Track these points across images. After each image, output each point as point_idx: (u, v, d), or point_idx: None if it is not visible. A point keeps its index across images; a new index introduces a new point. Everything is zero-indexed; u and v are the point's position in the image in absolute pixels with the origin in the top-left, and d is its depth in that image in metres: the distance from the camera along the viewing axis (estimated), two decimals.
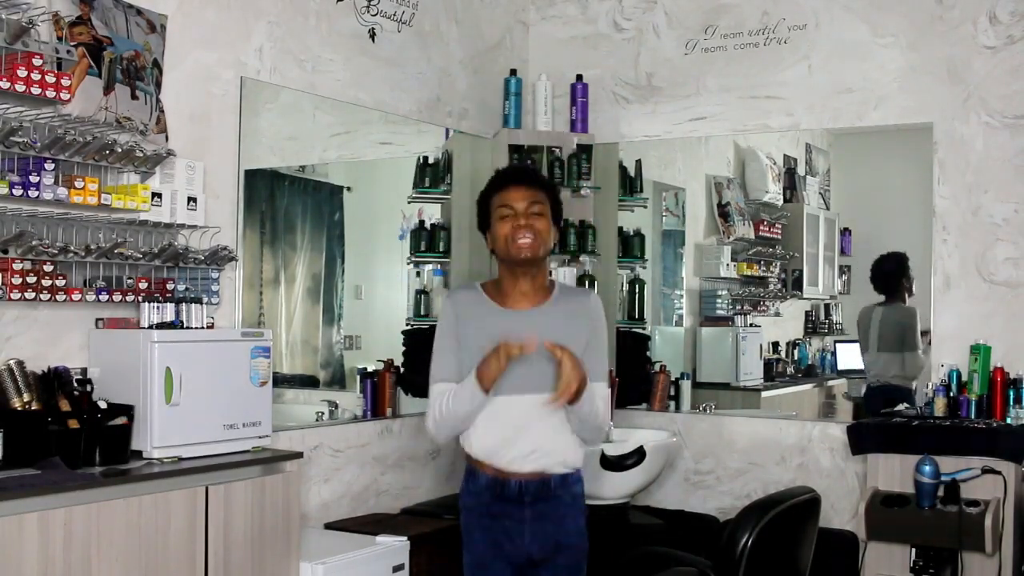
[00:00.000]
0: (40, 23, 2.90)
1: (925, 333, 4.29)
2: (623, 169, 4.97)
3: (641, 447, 4.10)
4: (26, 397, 2.83)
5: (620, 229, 4.95)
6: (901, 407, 4.19)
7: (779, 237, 5.58)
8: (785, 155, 5.53)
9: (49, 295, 2.93)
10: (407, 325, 4.63)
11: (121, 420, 2.93)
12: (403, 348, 4.56)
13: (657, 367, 4.93)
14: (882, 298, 4.73)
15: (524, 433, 2.77)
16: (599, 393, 2.82)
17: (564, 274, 4.65)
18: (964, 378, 4.01)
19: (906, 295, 4.62)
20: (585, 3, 5.01)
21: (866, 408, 4.72)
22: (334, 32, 4.08)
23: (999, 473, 3.63)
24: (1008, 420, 3.85)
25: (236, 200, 3.65)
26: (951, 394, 3.98)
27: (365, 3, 4.22)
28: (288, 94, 3.94)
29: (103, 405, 2.92)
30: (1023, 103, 4.06)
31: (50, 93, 2.86)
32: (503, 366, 2.66)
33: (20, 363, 2.86)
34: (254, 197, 3.98)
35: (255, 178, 3.94)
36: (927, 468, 3.64)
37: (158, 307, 3.15)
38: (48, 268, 2.93)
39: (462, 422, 2.80)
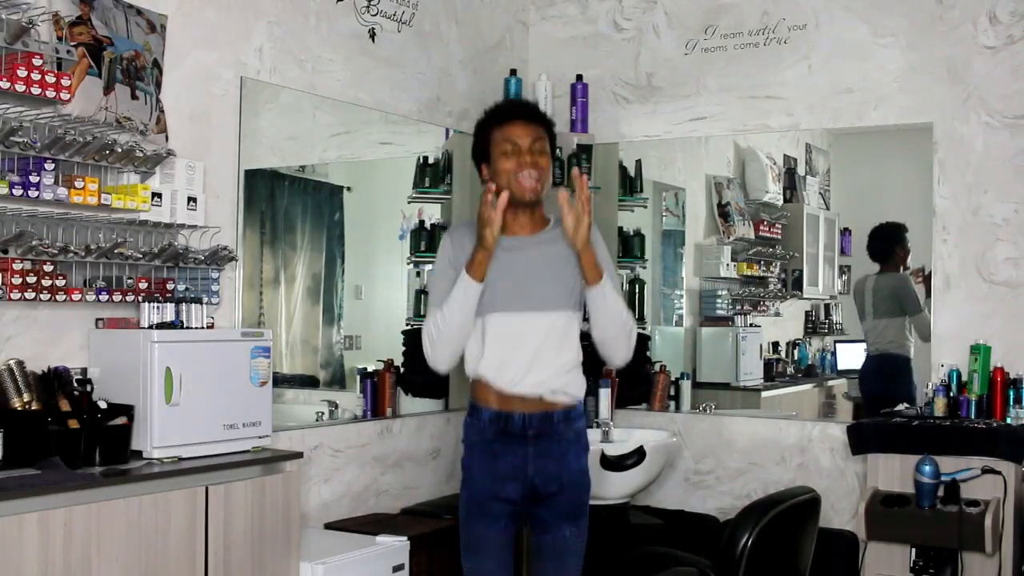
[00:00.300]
0: (40, 23, 2.90)
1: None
2: (623, 169, 4.97)
3: (641, 447, 4.10)
4: (26, 397, 2.83)
5: (620, 229, 4.96)
6: (901, 407, 4.19)
7: (779, 237, 5.58)
8: (785, 155, 5.52)
9: (49, 295, 2.93)
10: (407, 325, 4.63)
11: (121, 420, 2.93)
12: (403, 348, 4.56)
13: (657, 367, 4.93)
14: (876, 268, 4.75)
15: (526, 350, 2.80)
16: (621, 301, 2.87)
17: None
18: (964, 378, 4.01)
19: (901, 265, 4.61)
20: (585, 3, 5.01)
21: (863, 378, 4.74)
22: (334, 32, 4.08)
23: (999, 473, 3.63)
24: (1008, 420, 3.85)
25: (236, 200, 3.65)
26: (951, 394, 3.98)
27: (365, 3, 4.22)
28: (288, 94, 3.94)
29: (103, 405, 2.92)
30: (1023, 103, 4.06)
31: (50, 93, 2.86)
32: (494, 219, 2.71)
33: (20, 363, 2.86)
34: (254, 197, 3.98)
35: (255, 178, 3.94)
36: (927, 468, 3.64)
37: (158, 307, 3.15)
38: (48, 268, 2.93)
39: (459, 328, 2.80)
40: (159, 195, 3.21)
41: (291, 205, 4.36)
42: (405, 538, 3.62)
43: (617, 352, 2.89)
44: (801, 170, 5.56)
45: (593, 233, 2.87)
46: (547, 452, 2.82)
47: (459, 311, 2.78)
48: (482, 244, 2.76)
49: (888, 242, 4.66)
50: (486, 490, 2.81)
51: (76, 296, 3.00)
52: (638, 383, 4.88)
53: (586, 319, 2.91)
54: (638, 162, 4.97)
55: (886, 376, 4.43)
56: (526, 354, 2.81)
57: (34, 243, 2.87)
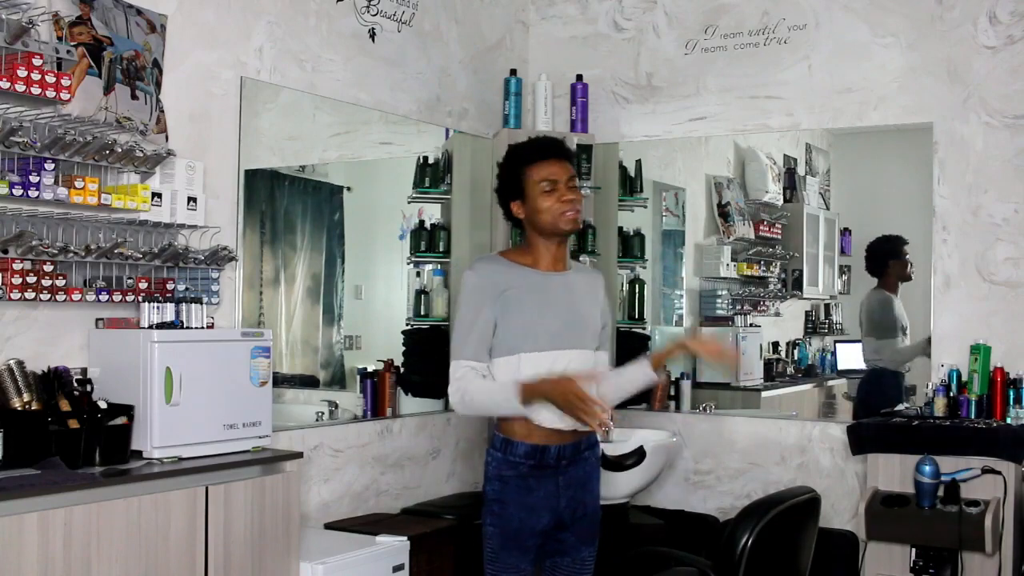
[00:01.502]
0: (40, 23, 2.90)
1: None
2: (623, 169, 4.97)
3: (641, 447, 4.09)
4: (26, 397, 2.83)
5: (620, 229, 4.95)
6: (901, 407, 4.19)
7: (779, 237, 5.58)
8: (785, 155, 5.52)
9: (49, 295, 2.93)
10: (407, 325, 4.63)
11: (121, 420, 2.93)
12: (403, 348, 4.56)
13: None
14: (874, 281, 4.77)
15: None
16: (603, 360, 2.98)
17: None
18: (964, 378, 4.01)
19: (896, 280, 4.60)
20: (585, 3, 5.01)
21: (859, 391, 4.76)
22: (334, 32, 4.08)
23: (999, 473, 3.63)
24: (1008, 420, 3.85)
25: (236, 200, 3.65)
26: (951, 394, 3.98)
27: (365, 3, 4.22)
28: (288, 94, 3.94)
29: (103, 405, 2.92)
30: (1023, 103, 4.06)
31: (50, 93, 2.86)
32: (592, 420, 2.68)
33: (20, 363, 2.86)
34: (254, 197, 3.98)
35: (255, 178, 3.94)
36: (927, 468, 3.64)
37: (158, 307, 3.15)
38: (48, 268, 2.93)
39: (489, 415, 2.90)
40: (159, 195, 3.21)
41: (291, 205, 4.36)
42: (405, 538, 3.62)
43: None
44: (801, 170, 5.56)
45: (604, 284, 3.04)
46: (574, 480, 2.87)
47: (491, 410, 2.87)
48: (555, 399, 2.71)
49: (880, 257, 4.66)
50: (521, 524, 2.82)
51: (76, 296, 3.00)
52: None
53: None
54: (638, 162, 4.97)
55: (878, 391, 4.41)
56: None
57: (34, 243, 2.87)
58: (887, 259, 4.60)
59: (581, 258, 4.73)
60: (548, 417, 2.78)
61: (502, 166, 2.94)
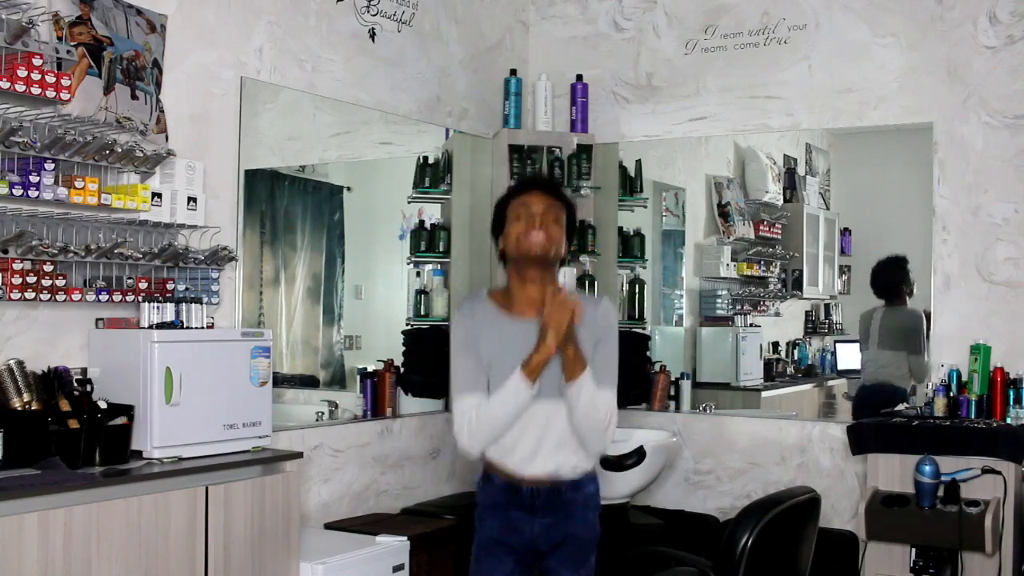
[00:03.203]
0: (40, 23, 2.90)
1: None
2: (623, 169, 4.97)
3: (641, 447, 4.09)
4: (26, 397, 2.83)
5: (620, 229, 4.95)
6: (901, 407, 4.19)
7: (779, 237, 5.58)
8: (785, 155, 5.53)
9: (49, 295, 2.93)
10: (407, 325, 4.63)
11: (121, 420, 2.93)
12: (403, 348, 4.56)
13: (657, 367, 4.93)
14: (881, 301, 4.72)
15: (533, 435, 2.75)
16: (602, 398, 2.76)
17: (564, 274, 4.63)
18: (964, 378, 4.01)
19: (907, 298, 4.60)
20: (585, 3, 5.01)
21: (856, 406, 4.72)
22: (334, 32, 4.08)
23: (999, 473, 3.63)
24: (1008, 420, 3.85)
25: (236, 200, 3.65)
26: (951, 394, 3.98)
27: (365, 3, 4.22)
28: (288, 94, 3.94)
29: (103, 405, 2.92)
30: (1023, 103, 4.06)
31: (50, 93, 2.86)
32: (551, 348, 2.64)
33: (20, 363, 2.86)
34: (254, 197, 3.98)
35: (255, 178, 3.94)
36: (927, 468, 3.64)
37: (158, 307, 3.15)
38: (48, 268, 2.93)
39: (506, 424, 2.73)
40: (159, 195, 3.21)
41: (291, 205, 4.36)
42: (405, 538, 3.62)
43: (589, 445, 2.79)
44: (801, 170, 5.57)
45: (609, 317, 2.83)
46: (555, 514, 2.79)
47: (511, 411, 2.71)
48: (544, 345, 2.66)
49: (895, 277, 4.61)
50: (495, 536, 2.81)
51: (76, 296, 3.00)
52: (638, 383, 4.88)
53: None
54: (638, 162, 4.97)
55: (881, 406, 4.40)
56: (533, 439, 2.75)
57: (34, 243, 2.87)
58: (900, 279, 4.58)
59: (581, 258, 4.73)
60: (515, 462, 2.75)
61: (495, 206, 2.89)
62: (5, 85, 2.76)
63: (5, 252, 2.85)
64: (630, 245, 4.96)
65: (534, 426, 2.75)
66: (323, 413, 4.18)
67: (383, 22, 4.31)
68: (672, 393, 4.89)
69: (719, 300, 5.37)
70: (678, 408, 4.87)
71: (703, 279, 5.39)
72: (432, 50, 4.56)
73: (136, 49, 3.19)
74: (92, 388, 3.01)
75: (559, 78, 4.91)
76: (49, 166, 2.91)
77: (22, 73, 2.79)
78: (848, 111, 4.41)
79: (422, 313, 4.61)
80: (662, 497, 4.68)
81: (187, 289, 3.33)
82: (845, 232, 5.40)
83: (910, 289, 4.55)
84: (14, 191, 2.83)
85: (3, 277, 2.84)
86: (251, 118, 3.73)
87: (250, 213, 3.90)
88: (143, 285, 3.20)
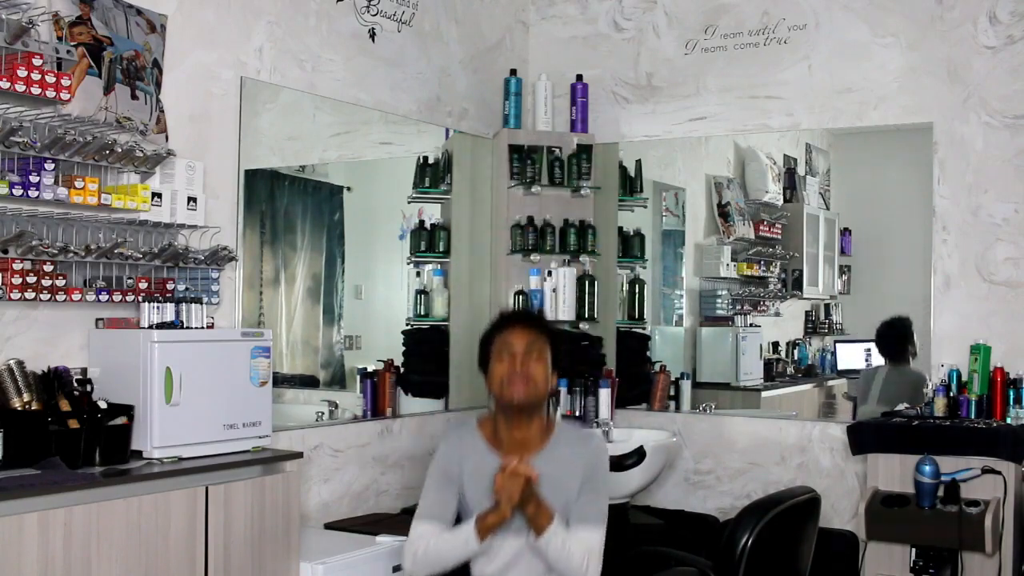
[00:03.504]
0: (40, 23, 2.90)
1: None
2: (623, 169, 4.97)
3: (641, 447, 4.09)
4: (26, 397, 2.83)
5: (620, 229, 4.95)
6: (901, 407, 4.19)
7: (779, 237, 5.58)
8: (785, 155, 5.53)
9: (49, 295, 2.93)
10: (407, 325, 4.63)
11: (121, 420, 2.93)
12: (403, 348, 4.56)
13: (657, 367, 4.93)
14: (881, 361, 4.71)
15: (501, 569, 2.73)
16: (579, 541, 2.71)
17: (564, 274, 4.65)
18: (964, 378, 4.01)
19: (911, 359, 4.59)
20: (585, 3, 5.01)
21: None
22: (334, 32, 4.08)
23: (999, 473, 3.63)
24: (1008, 420, 3.85)
25: (236, 200, 3.65)
26: (951, 394, 3.98)
27: (365, 3, 4.22)
28: (288, 94, 3.94)
29: (103, 405, 2.92)
30: (1023, 103, 4.06)
31: (50, 93, 2.86)
32: (506, 515, 2.61)
33: (20, 363, 2.86)
34: (254, 197, 3.98)
35: (255, 178, 3.94)
36: (927, 468, 3.64)
37: (158, 307, 3.15)
38: (48, 268, 2.93)
39: (450, 565, 2.73)
40: (159, 195, 3.21)
41: (291, 205, 4.36)
42: (405, 538, 3.61)
43: None
44: (801, 170, 5.57)
45: (599, 455, 2.81)
46: None
47: (459, 555, 2.71)
48: (498, 510, 2.63)
49: (902, 339, 4.59)
50: None
51: (76, 296, 3.00)
52: (638, 383, 4.89)
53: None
54: (638, 162, 4.97)
55: None
56: (500, 571, 2.74)
57: (34, 243, 2.87)
58: (906, 341, 4.56)
59: (581, 258, 4.73)
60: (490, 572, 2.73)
61: (480, 340, 2.85)
62: (5, 85, 2.76)
63: (5, 252, 2.85)
64: (630, 245, 4.96)
65: (506, 561, 2.72)
66: (323, 413, 4.18)
67: (383, 22, 4.31)
68: (672, 393, 4.89)
69: (719, 300, 5.37)
70: (678, 408, 4.87)
71: (703, 279, 5.39)
72: (432, 50, 4.56)
73: (136, 49, 3.19)
74: (92, 388, 3.01)
75: (559, 78, 4.91)
76: (49, 166, 2.91)
77: (22, 73, 2.79)
78: (848, 111, 4.41)
79: (422, 313, 4.61)
80: (662, 497, 4.68)
81: (187, 289, 3.33)
82: (845, 232, 5.40)
83: (914, 350, 4.53)
84: (14, 191, 2.83)
85: (3, 277, 2.84)
86: (251, 118, 3.73)
87: (250, 213, 3.90)
88: (143, 285, 3.20)
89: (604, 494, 2.80)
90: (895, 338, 4.63)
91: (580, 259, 4.75)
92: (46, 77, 2.85)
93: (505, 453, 2.72)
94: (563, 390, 4.60)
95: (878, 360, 4.75)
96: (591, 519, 2.75)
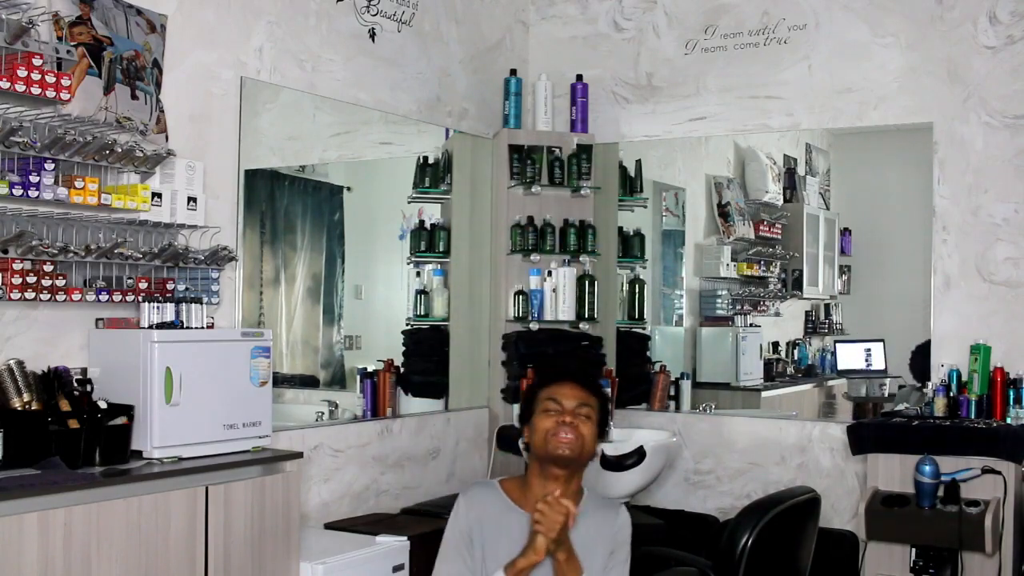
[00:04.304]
0: (40, 23, 2.90)
1: None
2: (623, 169, 4.97)
3: (641, 447, 4.09)
4: (26, 397, 2.82)
5: (620, 229, 4.96)
6: (901, 407, 4.19)
7: (779, 237, 5.59)
8: (785, 155, 5.54)
9: (49, 295, 2.93)
10: (407, 325, 4.64)
11: (121, 420, 2.93)
12: (403, 348, 4.56)
13: (657, 367, 4.93)
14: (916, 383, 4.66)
15: None
16: None
17: (564, 274, 4.66)
18: (964, 378, 4.01)
19: None
20: (585, 3, 5.01)
21: None
22: (334, 32, 4.08)
23: (999, 473, 3.63)
24: (1008, 420, 3.85)
25: (236, 200, 3.65)
26: (951, 394, 3.98)
27: (365, 3, 4.22)
28: (288, 94, 3.94)
29: (103, 405, 2.92)
30: (1023, 103, 4.07)
31: (50, 93, 2.86)
32: (540, 554, 2.45)
33: (20, 363, 2.86)
34: (254, 197, 3.98)
35: (255, 178, 3.94)
36: (927, 468, 3.64)
37: (158, 307, 3.14)
38: (48, 268, 2.93)
39: None
40: (159, 195, 3.21)
41: (291, 205, 4.36)
42: (405, 538, 3.62)
43: None
44: (801, 170, 5.57)
45: (627, 529, 2.67)
46: None
47: None
48: (533, 549, 2.45)
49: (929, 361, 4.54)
50: None
51: (76, 296, 3.00)
52: (638, 383, 4.89)
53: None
54: (638, 162, 4.97)
55: None
56: None
57: (34, 243, 2.87)
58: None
59: (581, 258, 4.73)
60: None
61: (523, 393, 2.73)
62: (5, 85, 2.76)
63: (5, 252, 2.85)
64: (630, 245, 4.96)
65: None
66: (323, 413, 4.19)
67: (383, 22, 4.31)
68: (672, 393, 4.89)
69: (719, 300, 5.37)
70: (678, 408, 4.87)
71: (703, 279, 5.39)
72: (432, 50, 4.56)
73: (136, 49, 3.19)
74: (92, 388, 3.01)
75: (559, 78, 4.91)
76: (49, 166, 2.91)
77: (22, 73, 2.79)
78: (848, 111, 4.41)
79: (422, 313, 4.61)
80: (662, 497, 4.68)
81: (187, 289, 3.33)
82: (845, 232, 5.41)
83: None
84: (14, 191, 2.83)
85: (3, 277, 2.84)
86: (251, 118, 3.73)
87: (250, 213, 3.90)
88: (143, 285, 3.20)
89: (627, 569, 2.68)
90: (925, 361, 4.52)
91: (580, 259, 4.75)
92: (46, 77, 2.85)
93: (532, 510, 2.52)
94: None
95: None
96: None
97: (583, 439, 2.58)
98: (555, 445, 2.56)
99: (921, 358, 4.50)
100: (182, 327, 3.17)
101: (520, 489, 2.65)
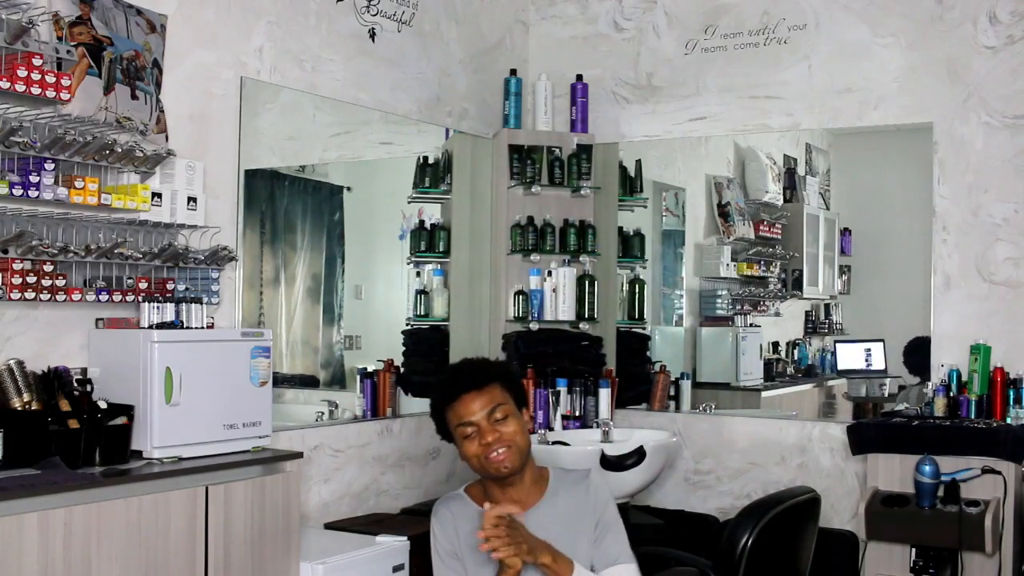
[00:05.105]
0: (40, 23, 2.90)
1: None
2: (623, 169, 4.97)
3: (641, 447, 4.09)
4: (26, 397, 2.82)
5: (620, 229, 4.95)
6: (901, 407, 4.19)
7: (779, 237, 5.59)
8: (785, 155, 5.53)
9: (49, 295, 2.93)
10: (407, 325, 4.64)
11: (121, 420, 2.93)
12: (403, 348, 4.56)
13: (657, 367, 4.93)
14: (915, 380, 4.66)
15: None
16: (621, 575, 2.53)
17: (564, 274, 4.66)
18: (964, 378, 4.01)
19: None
20: (585, 3, 5.01)
21: None
22: (334, 32, 4.08)
23: (999, 473, 3.63)
24: (1008, 420, 3.85)
25: (236, 200, 3.65)
26: (951, 394, 3.98)
27: (365, 3, 4.22)
28: (288, 94, 3.94)
29: (103, 405, 2.92)
30: (1023, 103, 4.06)
31: (50, 93, 2.86)
32: (518, 567, 2.38)
33: (20, 363, 2.86)
34: (254, 197, 3.98)
35: (255, 178, 3.94)
36: (927, 468, 3.64)
37: (158, 307, 3.14)
38: (48, 268, 2.93)
39: None
40: (159, 195, 3.21)
41: (291, 205, 4.36)
42: (405, 538, 3.62)
43: None
44: (801, 170, 5.57)
45: (601, 491, 2.60)
46: None
47: None
48: (504, 571, 2.39)
49: (927, 355, 4.54)
50: None
51: (76, 296, 3.00)
52: (638, 383, 4.89)
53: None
54: (638, 162, 4.97)
55: None
56: None
57: (34, 243, 2.87)
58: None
59: (581, 258, 4.73)
60: None
61: (430, 410, 2.62)
62: (5, 85, 2.76)
63: (5, 252, 2.85)
64: (630, 245, 4.96)
65: None
66: (323, 413, 4.19)
67: (383, 22, 4.31)
68: (672, 393, 4.89)
69: (719, 300, 5.37)
70: (678, 408, 4.87)
71: (703, 279, 5.39)
72: (432, 50, 4.56)
73: (136, 49, 3.19)
74: (92, 388, 3.01)
75: (559, 78, 4.91)
76: (49, 166, 2.91)
77: (22, 73, 2.79)
78: (848, 111, 4.41)
79: (422, 313, 4.61)
80: (662, 497, 4.68)
81: (187, 289, 3.33)
82: (845, 232, 5.40)
83: None
84: (14, 191, 2.83)
85: (3, 277, 2.84)
86: (251, 118, 3.73)
87: (250, 213, 3.90)
88: (143, 285, 3.20)
89: (621, 529, 2.62)
90: (923, 356, 4.52)
91: (580, 259, 4.75)
92: (46, 77, 2.85)
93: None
94: (563, 390, 4.60)
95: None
96: (621, 557, 2.57)
97: (514, 443, 2.49)
98: (492, 467, 2.49)
99: (914, 354, 4.51)
100: (182, 327, 3.17)
101: (485, 493, 2.59)
